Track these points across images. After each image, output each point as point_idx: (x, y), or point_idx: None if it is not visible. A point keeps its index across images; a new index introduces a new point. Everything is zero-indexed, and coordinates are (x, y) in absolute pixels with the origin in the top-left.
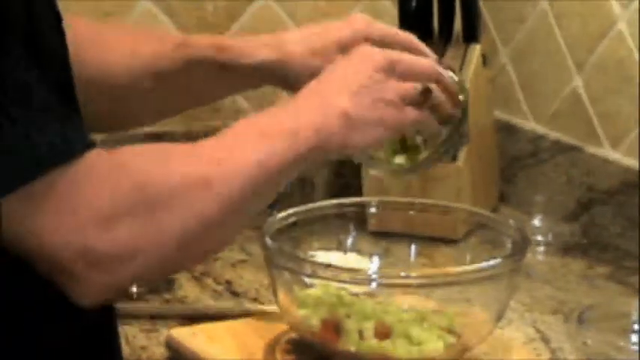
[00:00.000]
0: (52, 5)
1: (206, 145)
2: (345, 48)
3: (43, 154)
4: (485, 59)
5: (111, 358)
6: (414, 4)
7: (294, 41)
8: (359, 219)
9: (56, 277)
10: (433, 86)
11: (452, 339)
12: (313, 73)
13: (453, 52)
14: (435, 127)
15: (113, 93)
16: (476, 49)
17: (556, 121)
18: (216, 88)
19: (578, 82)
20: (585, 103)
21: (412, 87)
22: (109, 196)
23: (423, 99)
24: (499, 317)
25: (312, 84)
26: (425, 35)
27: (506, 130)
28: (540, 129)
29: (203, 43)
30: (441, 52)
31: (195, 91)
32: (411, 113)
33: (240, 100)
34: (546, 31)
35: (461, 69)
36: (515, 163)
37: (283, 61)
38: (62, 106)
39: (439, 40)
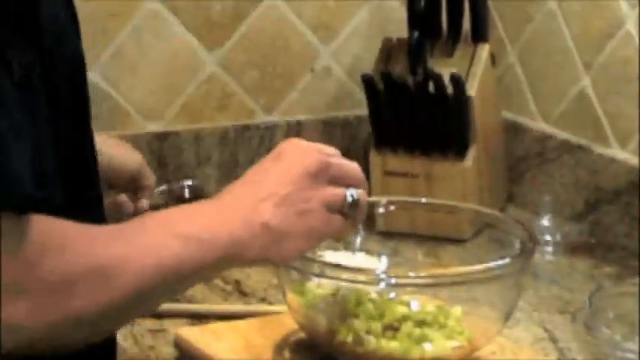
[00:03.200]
0: None
1: (116, 233)
2: None
3: None
4: (493, 59)
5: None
6: (422, 4)
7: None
8: (367, 219)
9: None
10: (361, 194)
11: (460, 339)
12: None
13: (461, 51)
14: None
15: None
16: (484, 49)
17: (563, 121)
18: None
19: (585, 82)
20: (593, 102)
21: (343, 195)
22: (15, 269)
23: (348, 207)
24: (507, 317)
25: (239, 185)
26: (433, 35)
27: (514, 129)
28: (548, 129)
29: None
30: (449, 52)
31: None
32: (337, 223)
33: (247, 99)
34: (554, 31)
35: (469, 69)
36: (523, 163)
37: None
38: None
39: (447, 40)
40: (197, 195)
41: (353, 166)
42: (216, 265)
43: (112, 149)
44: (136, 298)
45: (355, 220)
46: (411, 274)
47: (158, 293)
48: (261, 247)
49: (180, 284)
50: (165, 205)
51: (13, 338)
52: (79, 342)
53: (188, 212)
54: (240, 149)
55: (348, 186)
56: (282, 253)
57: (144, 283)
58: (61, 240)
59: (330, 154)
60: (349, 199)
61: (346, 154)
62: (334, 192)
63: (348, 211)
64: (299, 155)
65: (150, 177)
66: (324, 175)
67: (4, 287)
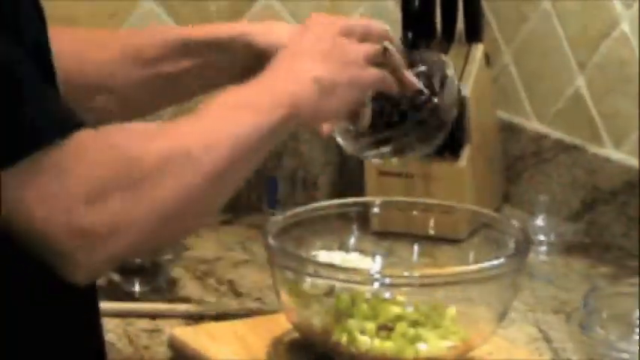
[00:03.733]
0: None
1: (185, 121)
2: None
3: (34, 132)
4: (487, 59)
5: (92, 338)
6: (416, 4)
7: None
8: (362, 219)
9: (46, 255)
10: (390, 45)
11: (454, 339)
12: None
13: (455, 51)
14: (395, 88)
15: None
16: (478, 49)
17: (559, 121)
18: (194, 72)
19: (580, 82)
20: (588, 103)
21: (372, 47)
22: (96, 173)
23: (383, 57)
24: (502, 317)
25: (279, 56)
26: (428, 35)
27: (509, 129)
28: (543, 129)
29: (177, 28)
30: (444, 52)
31: (174, 80)
32: (376, 72)
33: None
34: (549, 31)
35: (463, 69)
36: (518, 163)
37: (264, 32)
38: (50, 87)
39: (442, 40)
40: None
41: (374, 22)
42: (282, 125)
43: None
44: (222, 172)
45: (389, 68)
46: (406, 274)
47: (240, 164)
48: (316, 101)
49: (255, 152)
50: None
51: (118, 243)
52: (175, 237)
53: (242, 88)
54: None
55: (376, 41)
56: (335, 105)
57: (226, 156)
58: (145, 131)
59: (351, 19)
60: (379, 45)
61: (342, 154)
62: (368, 46)
63: (383, 58)
64: (326, 22)
65: None
66: (354, 34)
67: (97, 189)
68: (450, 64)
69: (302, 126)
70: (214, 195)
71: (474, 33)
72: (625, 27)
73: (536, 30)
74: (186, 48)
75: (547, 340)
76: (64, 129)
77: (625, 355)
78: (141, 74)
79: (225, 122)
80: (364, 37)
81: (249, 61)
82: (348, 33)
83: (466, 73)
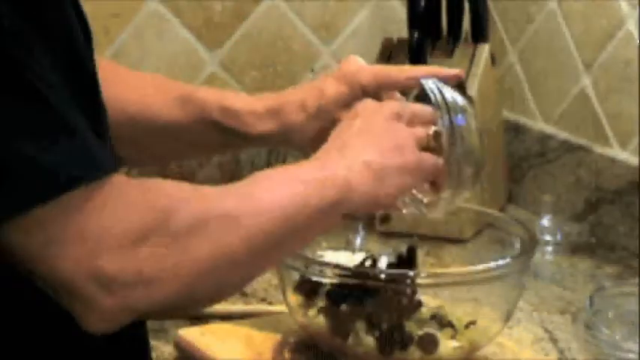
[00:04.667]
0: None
1: (235, 186)
2: (344, 104)
3: (67, 169)
4: (493, 59)
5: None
6: (422, 4)
7: (294, 109)
8: (367, 219)
9: (66, 297)
10: (442, 129)
11: (460, 339)
12: (317, 135)
13: (461, 51)
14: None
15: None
16: (484, 49)
17: (564, 121)
18: (217, 146)
19: (586, 81)
20: (593, 102)
21: (424, 131)
22: (129, 219)
23: (435, 142)
24: (507, 317)
25: (329, 143)
26: (434, 35)
27: (514, 129)
28: (548, 129)
29: (209, 101)
30: (449, 52)
31: (196, 144)
32: (429, 157)
33: None
34: (554, 31)
35: (469, 69)
36: (523, 163)
37: (283, 131)
38: (90, 125)
39: (448, 40)
40: None
41: (424, 107)
42: (332, 207)
43: None
44: (264, 241)
45: (443, 152)
46: (412, 274)
47: (284, 238)
48: (367, 185)
49: (303, 230)
50: None
51: (145, 295)
52: (206, 300)
53: (296, 166)
54: (242, 150)
55: (424, 125)
56: (385, 190)
57: (270, 225)
58: (189, 186)
59: (400, 103)
60: (430, 131)
61: None
62: (417, 130)
63: (434, 144)
64: (374, 108)
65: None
66: (403, 119)
67: (130, 237)
68: (471, 112)
69: (357, 211)
70: (251, 264)
71: (480, 33)
72: (631, 27)
73: (541, 30)
74: (211, 127)
75: (552, 340)
76: (99, 170)
77: (631, 355)
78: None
79: (276, 194)
80: (412, 120)
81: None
82: (396, 117)
83: (472, 74)
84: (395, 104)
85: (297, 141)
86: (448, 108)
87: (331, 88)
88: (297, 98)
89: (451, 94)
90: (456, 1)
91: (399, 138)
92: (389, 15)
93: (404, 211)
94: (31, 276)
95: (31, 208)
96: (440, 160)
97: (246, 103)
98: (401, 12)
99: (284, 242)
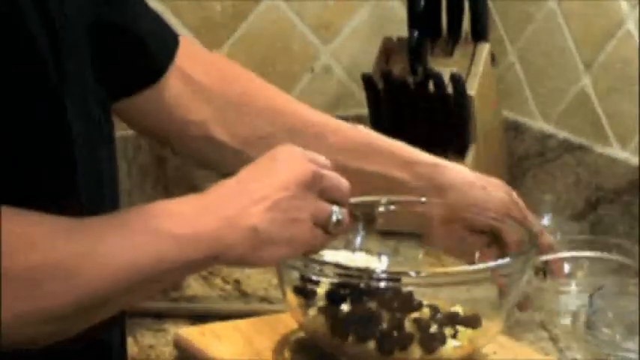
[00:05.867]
0: None
1: (82, 228)
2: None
3: None
4: (493, 58)
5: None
6: (422, 3)
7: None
8: (367, 218)
9: None
10: (345, 213)
11: (460, 338)
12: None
13: (461, 51)
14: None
15: None
16: (484, 49)
17: (564, 121)
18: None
19: (585, 81)
20: (593, 102)
21: (330, 211)
22: None
23: (333, 228)
24: (507, 316)
25: (230, 183)
26: (433, 35)
27: (514, 129)
28: (548, 128)
29: (388, 157)
30: (449, 51)
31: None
32: (320, 237)
33: None
34: (554, 31)
35: (469, 68)
36: (523, 163)
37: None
38: None
39: (447, 40)
40: None
41: (341, 181)
42: (195, 264)
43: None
44: (106, 297)
45: (334, 237)
46: (412, 273)
47: (133, 291)
48: (244, 250)
49: (157, 282)
50: None
51: None
52: (49, 337)
53: (172, 208)
54: None
55: (334, 201)
56: (263, 257)
57: (116, 282)
58: (24, 238)
59: (323, 164)
60: (334, 217)
61: None
62: (323, 207)
63: (331, 228)
64: (294, 163)
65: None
66: (316, 187)
67: None
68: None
69: (226, 264)
70: (93, 314)
71: (480, 32)
72: (630, 27)
73: (541, 29)
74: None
75: (552, 339)
76: None
77: (630, 355)
78: None
79: (132, 246)
80: (325, 192)
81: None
82: (312, 183)
83: (472, 73)
84: (317, 169)
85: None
86: None
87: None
88: (459, 193)
89: None
90: (455, 1)
91: (299, 210)
92: (389, 14)
93: None
94: None
95: None
96: (328, 242)
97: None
98: (401, 11)
99: (129, 296)
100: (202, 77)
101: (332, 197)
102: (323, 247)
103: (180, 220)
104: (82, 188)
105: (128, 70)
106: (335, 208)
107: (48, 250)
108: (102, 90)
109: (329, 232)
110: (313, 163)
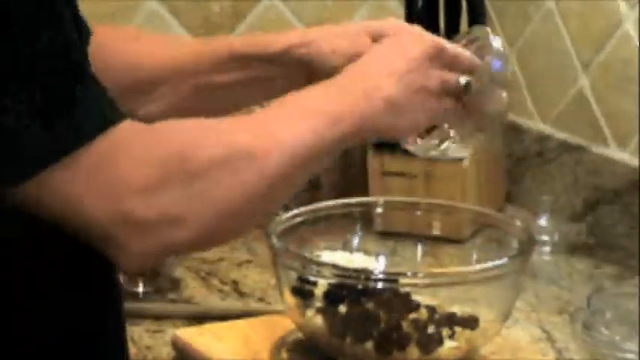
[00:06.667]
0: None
1: (250, 118)
2: (374, 34)
3: (81, 124)
4: None
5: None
6: (420, 3)
7: (320, 30)
8: (365, 219)
9: (97, 243)
10: (473, 81)
11: (458, 339)
12: (341, 56)
13: None
14: (466, 122)
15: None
16: None
17: (562, 121)
18: (246, 84)
19: (584, 82)
20: (591, 103)
21: (455, 78)
22: (149, 164)
23: (463, 93)
24: (505, 317)
25: (358, 64)
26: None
27: (513, 130)
28: (546, 129)
29: (227, 40)
30: None
31: (226, 90)
32: (450, 104)
33: None
34: (552, 31)
35: None
36: (522, 163)
37: (308, 44)
38: (93, 80)
39: (445, 39)
40: None
41: (464, 53)
42: (346, 138)
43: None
44: (280, 176)
45: (467, 105)
46: (409, 274)
47: (299, 171)
48: (385, 121)
49: (315, 161)
50: None
51: (172, 235)
52: (231, 235)
53: (315, 92)
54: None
55: (462, 72)
56: (402, 127)
57: (286, 160)
58: (203, 125)
59: (444, 41)
60: (462, 81)
61: (345, 154)
62: (449, 75)
63: (460, 92)
64: (418, 37)
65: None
66: (440, 59)
67: (151, 180)
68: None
69: (369, 138)
70: (271, 197)
71: None
72: (628, 27)
73: (539, 30)
74: (236, 61)
75: (550, 340)
76: (106, 122)
77: (629, 356)
78: (193, 82)
79: (293, 126)
80: (449, 63)
81: (304, 74)
82: (436, 55)
83: None
84: (439, 40)
85: (322, 60)
86: (499, 54)
87: (363, 22)
88: (325, 27)
89: (500, 43)
90: (453, 1)
91: (428, 79)
92: (387, 14)
93: (416, 143)
94: (62, 230)
95: (52, 161)
96: (458, 109)
97: (264, 35)
98: (399, 11)
99: (299, 175)
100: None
101: (458, 67)
102: (454, 115)
103: (326, 100)
104: None
105: None
106: (462, 76)
107: (228, 140)
108: None
109: (459, 100)
110: (435, 38)
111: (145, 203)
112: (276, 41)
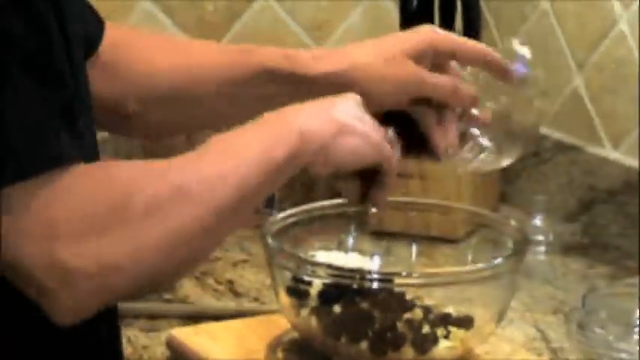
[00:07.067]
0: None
1: (187, 156)
2: (415, 56)
3: (25, 161)
4: None
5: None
6: (415, 3)
7: (363, 52)
8: (360, 219)
9: (30, 291)
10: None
11: (453, 339)
12: (384, 81)
13: None
14: (498, 132)
15: (168, 99)
16: None
17: (557, 121)
18: (282, 98)
19: (578, 81)
20: (586, 103)
21: (385, 129)
22: (82, 210)
23: (390, 144)
24: (500, 317)
25: (287, 108)
26: None
27: None
28: (541, 129)
29: (269, 51)
30: None
31: (261, 100)
32: (389, 147)
33: None
34: (547, 31)
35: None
36: (517, 163)
37: (353, 70)
38: (55, 117)
39: None
40: None
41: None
42: (285, 165)
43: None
44: (216, 214)
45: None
46: (404, 273)
47: (236, 205)
48: (325, 138)
49: (256, 192)
50: None
51: (107, 284)
52: (170, 277)
53: (250, 125)
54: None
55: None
56: (341, 145)
57: (220, 197)
58: (139, 168)
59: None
60: (390, 132)
61: None
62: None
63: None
64: (346, 97)
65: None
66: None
67: (84, 226)
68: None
69: (306, 164)
70: (212, 235)
71: (473, 33)
72: (623, 27)
73: (534, 30)
74: (271, 77)
75: (545, 340)
76: (55, 161)
77: (624, 355)
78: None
79: (224, 162)
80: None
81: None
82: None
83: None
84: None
85: (367, 85)
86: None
87: (404, 39)
88: (366, 44)
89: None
90: (448, 1)
91: (365, 117)
92: (382, 15)
93: (450, 157)
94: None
95: None
96: (395, 156)
97: (307, 51)
98: (394, 12)
99: (238, 208)
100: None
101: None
102: (391, 159)
103: (261, 127)
104: None
105: None
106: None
107: (166, 177)
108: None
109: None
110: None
111: (80, 251)
112: (319, 63)
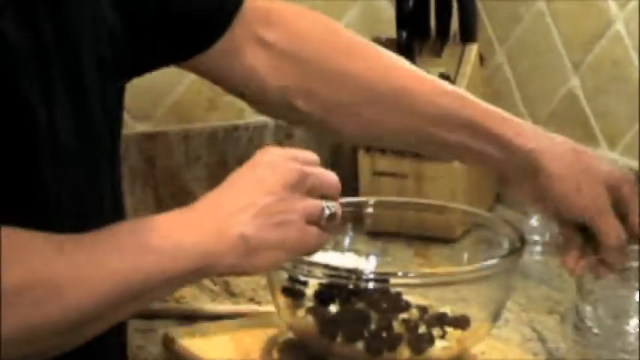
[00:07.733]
0: None
1: (72, 245)
2: (608, 187)
3: None
4: (481, 59)
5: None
6: (411, 4)
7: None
8: (356, 219)
9: None
10: (337, 206)
11: (449, 339)
12: (576, 190)
13: (449, 51)
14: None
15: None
16: (473, 49)
17: (553, 121)
18: (463, 151)
19: (574, 82)
20: (582, 103)
21: (320, 207)
22: None
23: (325, 222)
24: (496, 317)
25: (215, 194)
26: (422, 35)
27: None
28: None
29: (487, 117)
30: (438, 52)
31: (449, 147)
32: (313, 236)
33: (236, 99)
34: (543, 31)
35: (458, 68)
36: None
37: (550, 160)
38: None
39: (436, 40)
40: None
41: (330, 176)
42: (183, 277)
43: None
44: (96, 314)
45: (330, 233)
46: (400, 273)
47: (122, 307)
48: (235, 258)
49: (147, 296)
50: None
51: None
52: (36, 355)
53: (159, 223)
54: (229, 149)
55: (324, 197)
56: (255, 264)
57: (104, 299)
58: (20, 245)
59: (308, 161)
60: (327, 212)
61: (335, 153)
62: (312, 204)
63: (324, 223)
64: (277, 165)
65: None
66: (303, 186)
67: None
68: None
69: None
70: (79, 332)
71: (468, 33)
72: (619, 27)
73: (530, 30)
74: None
75: (541, 340)
76: None
77: (619, 356)
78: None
79: (116, 261)
80: (313, 190)
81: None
82: (298, 184)
83: (460, 74)
84: (301, 168)
85: (558, 182)
86: None
87: (610, 167)
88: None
89: None
90: (444, 1)
91: (289, 213)
92: (377, 15)
93: None
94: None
95: None
96: (324, 238)
97: (515, 124)
98: (389, 12)
99: (115, 312)
100: (280, 42)
101: (322, 193)
102: (320, 245)
103: (165, 234)
104: (67, 202)
105: (184, 30)
106: (326, 203)
107: (39, 267)
108: (114, 100)
109: (323, 229)
110: (297, 162)
111: None
112: (523, 139)
